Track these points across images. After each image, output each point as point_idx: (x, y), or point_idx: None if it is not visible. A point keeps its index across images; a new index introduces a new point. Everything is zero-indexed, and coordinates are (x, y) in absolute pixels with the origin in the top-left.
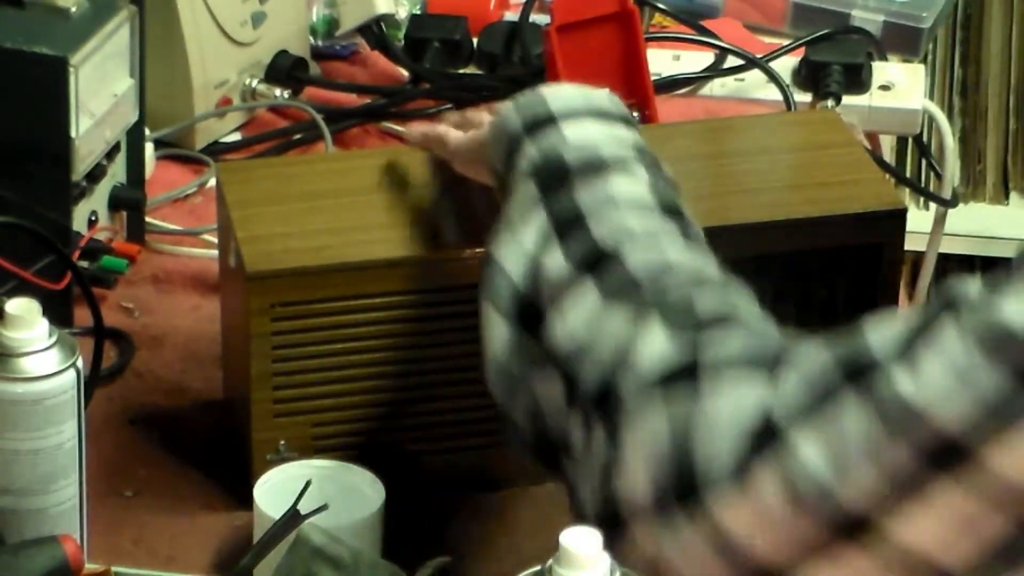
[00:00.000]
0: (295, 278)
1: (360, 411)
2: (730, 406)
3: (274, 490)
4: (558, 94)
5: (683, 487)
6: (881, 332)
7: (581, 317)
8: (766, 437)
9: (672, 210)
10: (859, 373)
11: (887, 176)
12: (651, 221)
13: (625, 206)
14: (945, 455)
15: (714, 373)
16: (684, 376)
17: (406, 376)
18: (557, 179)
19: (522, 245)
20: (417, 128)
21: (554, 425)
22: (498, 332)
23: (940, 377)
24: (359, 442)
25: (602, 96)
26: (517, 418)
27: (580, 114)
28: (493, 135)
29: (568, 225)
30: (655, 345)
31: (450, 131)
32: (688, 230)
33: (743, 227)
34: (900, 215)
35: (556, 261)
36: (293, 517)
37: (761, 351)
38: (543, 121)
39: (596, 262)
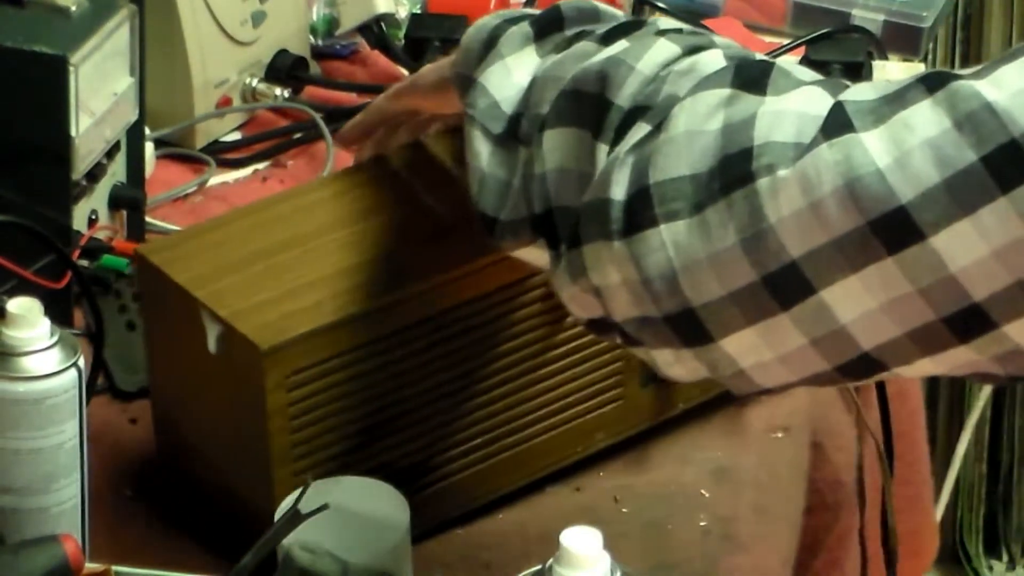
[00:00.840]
0: (309, 342)
1: (385, 444)
2: (798, 104)
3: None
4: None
5: (731, 170)
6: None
7: (616, 49)
8: (835, 125)
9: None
10: (939, 83)
11: None
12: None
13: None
14: (1015, 166)
15: (782, 82)
16: (752, 75)
17: (431, 403)
18: (550, 23)
19: (513, 79)
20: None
21: (563, 189)
22: (482, 148)
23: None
24: (387, 476)
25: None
26: (508, 215)
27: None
28: (466, 43)
29: (568, 41)
30: (716, 60)
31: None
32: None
33: None
34: None
35: (561, 53)
36: (293, 517)
37: (831, 79)
38: (525, 15)
39: (622, 31)
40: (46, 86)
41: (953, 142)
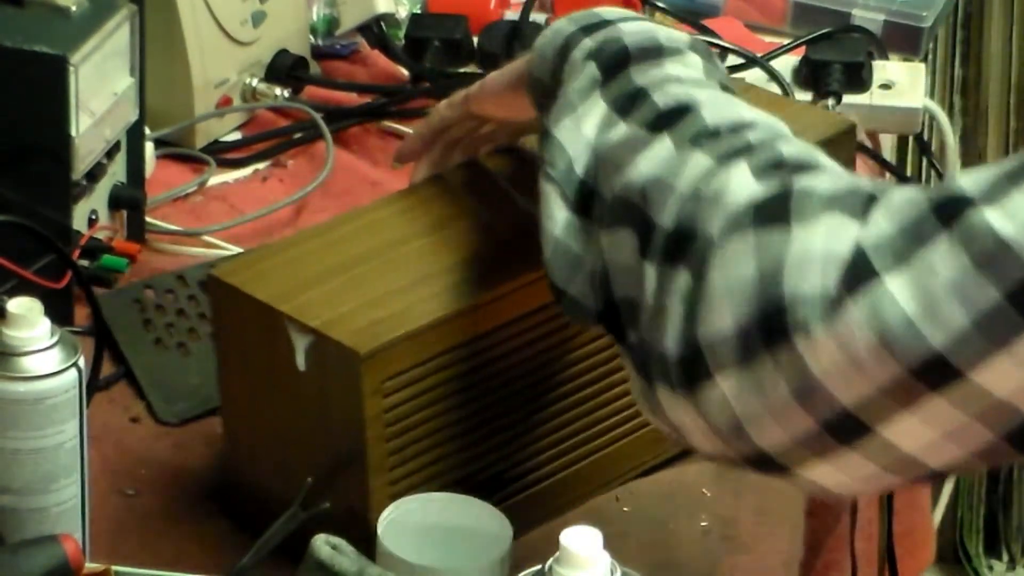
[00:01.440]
0: (403, 346)
1: (477, 451)
2: (822, 241)
3: (395, 526)
4: (613, 11)
5: (770, 326)
6: (973, 176)
7: (657, 160)
8: (858, 274)
9: (730, 90)
10: (952, 213)
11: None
12: (715, 92)
13: (687, 82)
14: None
15: (805, 207)
16: (774, 209)
17: (519, 407)
18: (616, 63)
19: (582, 133)
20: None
21: (622, 285)
22: (559, 213)
23: None
24: (478, 482)
25: (653, 24)
26: (577, 293)
27: (634, 18)
28: (541, 48)
29: (630, 102)
30: (742, 181)
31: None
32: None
33: None
34: (851, 131)
35: (619, 130)
36: (293, 517)
37: (851, 190)
38: (599, 24)
39: (667, 119)
40: (46, 86)
41: (975, 282)
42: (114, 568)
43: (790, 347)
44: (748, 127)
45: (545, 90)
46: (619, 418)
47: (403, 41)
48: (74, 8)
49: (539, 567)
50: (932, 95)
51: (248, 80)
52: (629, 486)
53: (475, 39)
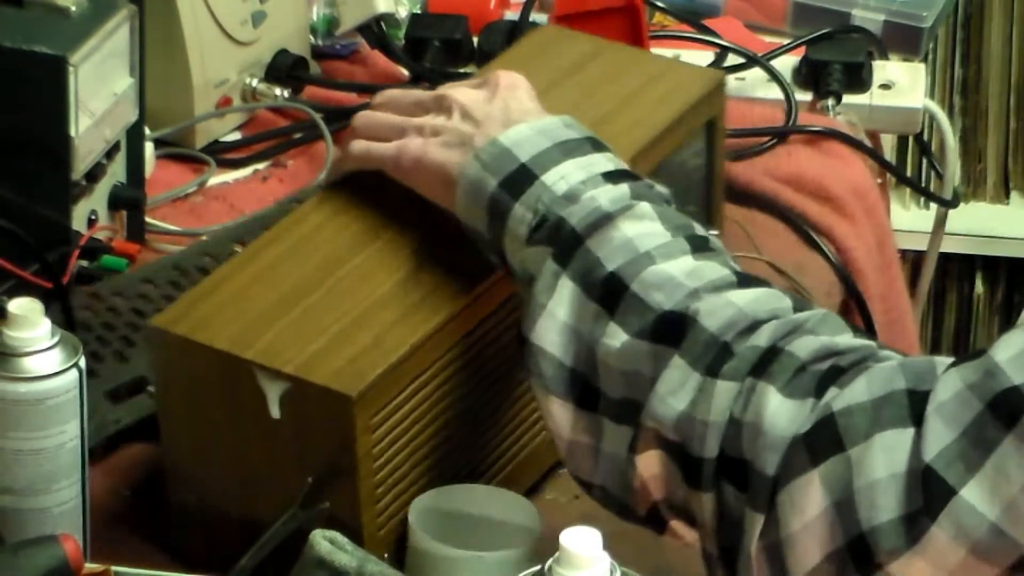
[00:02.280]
0: (385, 380)
1: (460, 453)
2: (883, 465)
3: (427, 514)
4: (518, 139)
5: (858, 554)
6: (1014, 353)
7: (677, 390)
8: (934, 494)
9: (686, 230)
10: (1011, 412)
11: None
12: (683, 259)
13: (653, 251)
14: None
15: (854, 430)
16: (824, 439)
17: (497, 399)
18: (570, 246)
19: (556, 318)
20: (347, 153)
21: (674, 498)
22: (561, 417)
23: None
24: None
25: (557, 125)
26: (605, 483)
27: (551, 157)
28: (465, 191)
29: (610, 295)
30: (777, 408)
31: (373, 147)
32: (710, 243)
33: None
34: (722, 85)
35: (617, 339)
36: (293, 517)
37: (889, 394)
38: (518, 176)
39: (668, 334)
40: (46, 86)
41: None
42: (114, 568)
43: (884, 573)
44: (752, 327)
45: (486, 243)
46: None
47: (403, 41)
48: (74, 8)
49: (539, 567)
50: (932, 95)
51: (248, 80)
52: None
53: (475, 39)
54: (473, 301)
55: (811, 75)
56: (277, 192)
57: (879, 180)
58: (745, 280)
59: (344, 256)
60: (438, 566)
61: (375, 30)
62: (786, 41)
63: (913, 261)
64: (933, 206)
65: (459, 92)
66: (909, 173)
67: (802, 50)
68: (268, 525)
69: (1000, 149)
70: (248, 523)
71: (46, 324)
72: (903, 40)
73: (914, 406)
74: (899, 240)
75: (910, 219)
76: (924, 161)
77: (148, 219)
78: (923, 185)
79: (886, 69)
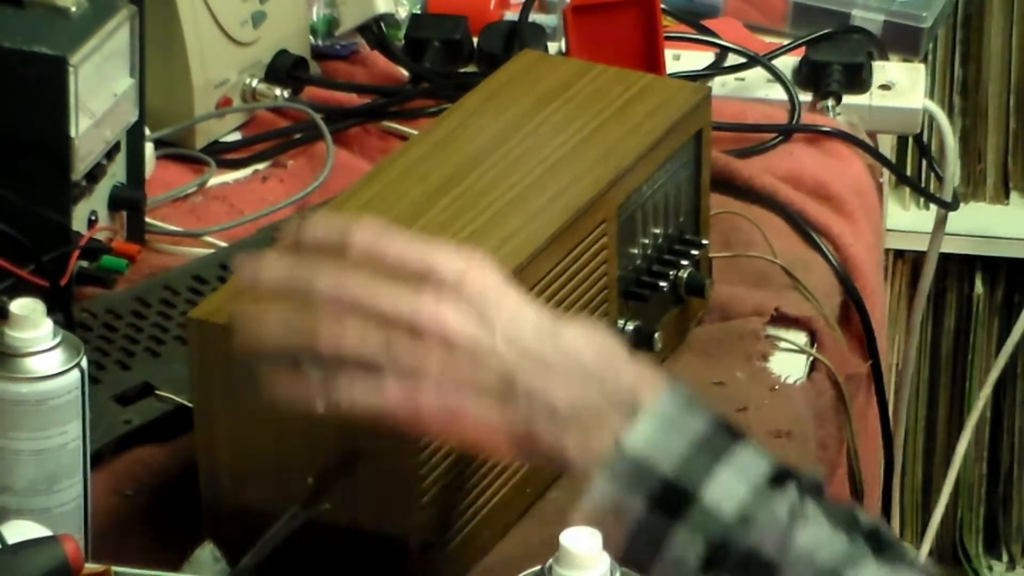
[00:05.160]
0: None
1: None
2: None
3: None
4: (647, 442)
5: None
6: None
7: None
8: None
9: (856, 527)
10: None
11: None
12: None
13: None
14: None
15: None
16: None
17: None
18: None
19: None
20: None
21: None
22: None
23: None
24: None
25: (676, 407)
26: None
27: (700, 464)
28: (594, 515)
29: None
30: None
31: (346, 384)
32: (883, 536)
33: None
34: (707, 98)
35: None
36: (294, 517)
37: None
38: (669, 495)
39: None
40: (46, 86)
41: None
42: (114, 568)
43: None
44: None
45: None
46: None
47: (403, 41)
48: (74, 9)
49: (539, 567)
50: (932, 96)
51: (248, 80)
52: None
53: (475, 40)
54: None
55: (811, 75)
56: (277, 192)
57: (880, 180)
58: None
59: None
60: None
61: (375, 30)
62: (786, 41)
63: (913, 261)
64: (933, 206)
65: (434, 311)
66: (909, 174)
67: (802, 50)
68: (303, 519)
69: (1000, 149)
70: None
71: (48, 324)
72: (903, 40)
73: None
74: (899, 241)
75: (910, 219)
76: (924, 162)
77: (148, 219)
78: (922, 185)
79: (886, 69)
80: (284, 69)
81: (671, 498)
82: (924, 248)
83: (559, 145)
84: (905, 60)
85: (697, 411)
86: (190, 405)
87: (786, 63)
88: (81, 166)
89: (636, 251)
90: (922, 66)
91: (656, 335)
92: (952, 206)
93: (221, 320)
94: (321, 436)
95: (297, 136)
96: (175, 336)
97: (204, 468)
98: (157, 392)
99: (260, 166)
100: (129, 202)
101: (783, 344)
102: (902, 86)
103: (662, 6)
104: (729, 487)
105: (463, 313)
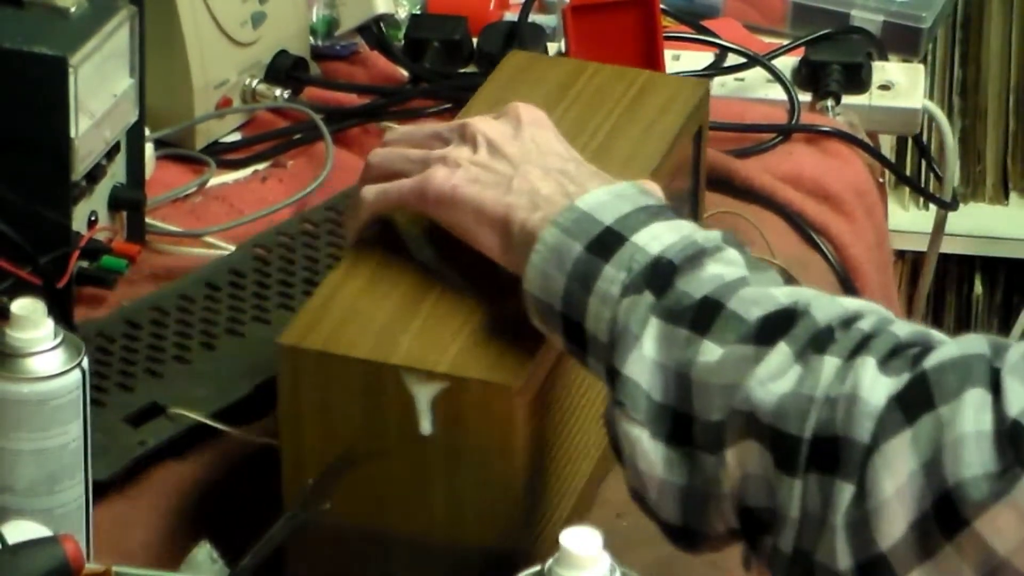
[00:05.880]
0: (534, 368)
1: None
2: (971, 421)
3: None
4: (596, 204)
5: (945, 516)
6: None
7: (781, 372)
8: (1018, 444)
9: (775, 275)
10: None
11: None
12: (779, 287)
13: (747, 277)
14: None
15: (946, 386)
16: (916, 396)
17: None
18: (665, 281)
19: (646, 358)
20: (360, 200)
21: (753, 496)
22: (654, 454)
23: None
24: None
25: (634, 190)
26: (694, 523)
27: (638, 219)
28: (543, 259)
29: (702, 318)
30: (873, 378)
31: (389, 186)
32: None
33: None
34: (707, 94)
35: (714, 354)
36: (293, 517)
37: (972, 357)
38: (606, 238)
39: (776, 328)
40: (46, 87)
41: None
42: (114, 568)
43: (970, 530)
44: (857, 318)
45: (553, 314)
46: None
47: (402, 42)
48: (74, 9)
49: (539, 567)
50: (931, 96)
51: (248, 81)
52: (631, 502)
53: (474, 40)
54: None
55: (810, 76)
56: (277, 192)
57: (880, 180)
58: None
59: (429, 265)
60: None
61: (375, 31)
62: (785, 42)
63: (912, 262)
64: (932, 207)
65: (482, 124)
66: (908, 174)
67: (801, 51)
68: (402, 542)
69: (999, 150)
70: (379, 540)
71: (49, 325)
72: (902, 41)
73: (992, 373)
74: (899, 241)
75: (910, 220)
76: (923, 162)
77: (148, 220)
78: (922, 186)
79: (885, 70)
80: (284, 70)
81: (606, 241)
82: (924, 248)
83: (580, 148)
84: (904, 60)
85: (652, 196)
86: (207, 422)
87: (786, 63)
88: (81, 166)
89: None
90: (921, 66)
91: None
92: (952, 206)
93: (315, 345)
94: (425, 452)
95: (297, 136)
96: (173, 356)
97: (288, 495)
98: (168, 412)
99: (260, 166)
100: (129, 202)
101: None
102: (901, 86)
103: (662, 6)
104: (659, 234)
105: (503, 124)
